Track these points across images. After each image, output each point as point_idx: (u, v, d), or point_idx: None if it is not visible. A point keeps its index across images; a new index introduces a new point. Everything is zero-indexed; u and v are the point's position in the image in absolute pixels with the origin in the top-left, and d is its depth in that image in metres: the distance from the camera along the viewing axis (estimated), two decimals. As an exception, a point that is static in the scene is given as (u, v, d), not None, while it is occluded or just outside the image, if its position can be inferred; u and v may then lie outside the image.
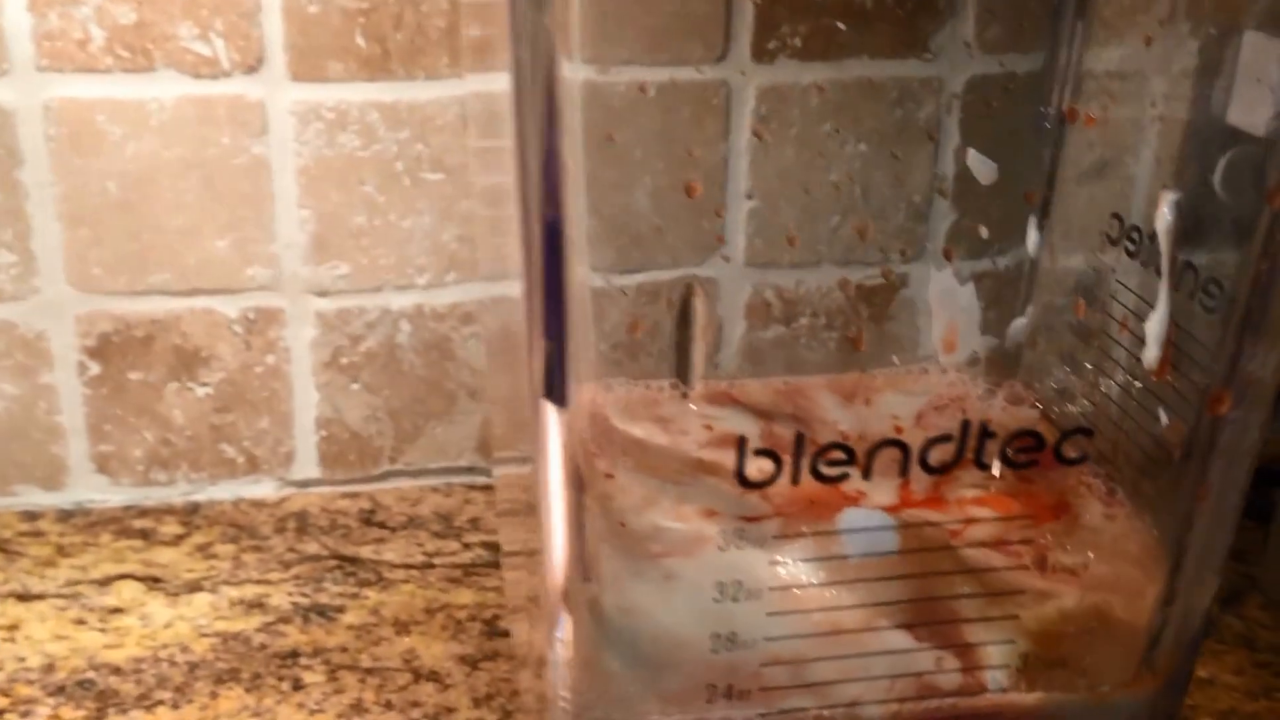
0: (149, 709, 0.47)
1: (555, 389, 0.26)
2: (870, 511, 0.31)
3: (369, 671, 0.49)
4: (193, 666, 0.49)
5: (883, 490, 0.33)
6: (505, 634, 0.51)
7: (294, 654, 0.50)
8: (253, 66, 0.55)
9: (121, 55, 0.54)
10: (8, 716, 0.46)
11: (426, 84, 0.56)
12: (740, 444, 0.28)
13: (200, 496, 0.61)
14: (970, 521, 0.32)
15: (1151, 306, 0.32)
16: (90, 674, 0.49)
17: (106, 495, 0.60)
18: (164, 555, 0.56)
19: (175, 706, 0.47)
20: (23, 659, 0.49)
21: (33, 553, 0.56)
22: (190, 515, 0.60)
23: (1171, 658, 0.32)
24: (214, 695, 0.48)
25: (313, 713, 0.47)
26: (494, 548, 0.58)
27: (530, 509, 0.33)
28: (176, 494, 0.61)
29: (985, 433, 0.29)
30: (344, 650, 0.50)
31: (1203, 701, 0.47)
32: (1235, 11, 0.32)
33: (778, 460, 0.28)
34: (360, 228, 0.57)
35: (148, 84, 0.54)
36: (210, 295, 0.58)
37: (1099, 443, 0.30)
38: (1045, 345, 0.38)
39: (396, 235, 0.58)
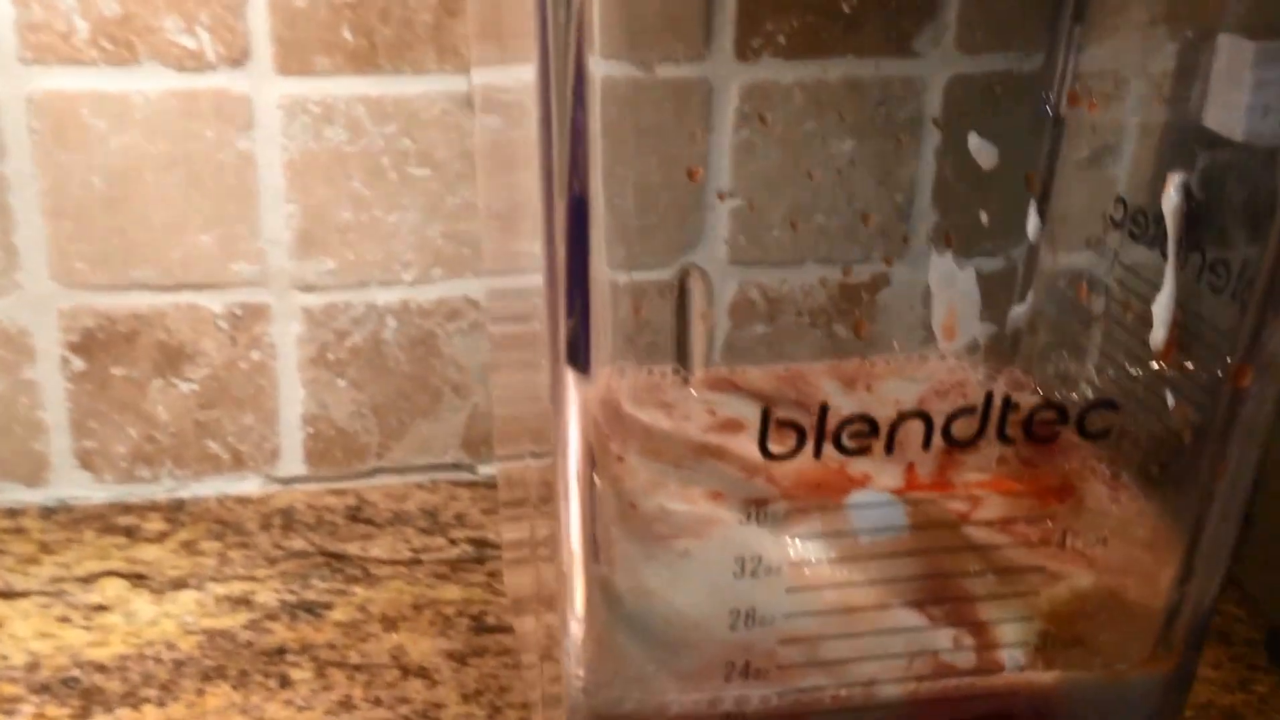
0: (134, 707, 0.46)
1: (579, 356, 0.26)
2: (881, 493, 0.31)
3: (357, 668, 0.49)
4: (179, 664, 0.49)
5: (889, 474, 0.33)
6: (493, 630, 0.51)
7: (281, 651, 0.50)
8: (238, 60, 0.54)
9: (106, 48, 0.53)
10: (-8, 714, 0.46)
11: (413, 78, 0.56)
12: (764, 415, 0.28)
13: (185, 493, 0.60)
14: (978, 503, 0.32)
15: (1156, 289, 0.32)
16: (75, 672, 0.48)
17: (90, 492, 0.60)
18: (148, 552, 0.56)
19: (161, 704, 0.47)
20: (6, 657, 0.49)
21: (15, 550, 0.56)
22: (175, 512, 0.59)
23: (1186, 634, 0.32)
24: (200, 693, 0.47)
25: (301, 709, 0.47)
26: (480, 544, 0.57)
27: (541, 499, 0.33)
28: (161, 490, 0.60)
29: (1008, 405, 0.29)
30: (332, 647, 0.50)
31: (1184, 694, 0.48)
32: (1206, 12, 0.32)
33: (801, 432, 0.28)
34: (347, 223, 0.57)
35: (132, 77, 0.54)
36: (195, 290, 0.57)
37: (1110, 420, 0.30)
38: (1046, 331, 0.38)
39: (383, 230, 0.58)
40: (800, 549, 0.30)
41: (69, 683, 0.47)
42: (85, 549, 0.56)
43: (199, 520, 0.59)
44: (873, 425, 0.28)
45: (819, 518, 0.31)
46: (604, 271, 0.26)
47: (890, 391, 0.38)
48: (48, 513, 0.59)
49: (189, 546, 0.56)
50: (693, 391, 0.37)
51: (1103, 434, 0.30)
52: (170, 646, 0.50)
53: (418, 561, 0.56)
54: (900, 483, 0.33)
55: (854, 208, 0.41)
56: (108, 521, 0.58)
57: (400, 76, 0.56)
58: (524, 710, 0.47)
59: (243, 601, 0.53)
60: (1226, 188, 0.30)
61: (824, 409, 0.28)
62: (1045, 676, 0.32)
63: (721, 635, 0.30)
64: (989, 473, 0.33)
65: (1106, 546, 0.32)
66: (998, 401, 0.29)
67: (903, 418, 0.28)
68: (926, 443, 0.29)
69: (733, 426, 0.36)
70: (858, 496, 0.31)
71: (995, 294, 0.39)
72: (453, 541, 0.58)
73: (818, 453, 0.28)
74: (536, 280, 0.27)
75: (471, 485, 0.62)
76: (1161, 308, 0.32)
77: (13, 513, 0.59)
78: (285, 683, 0.48)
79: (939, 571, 0.31)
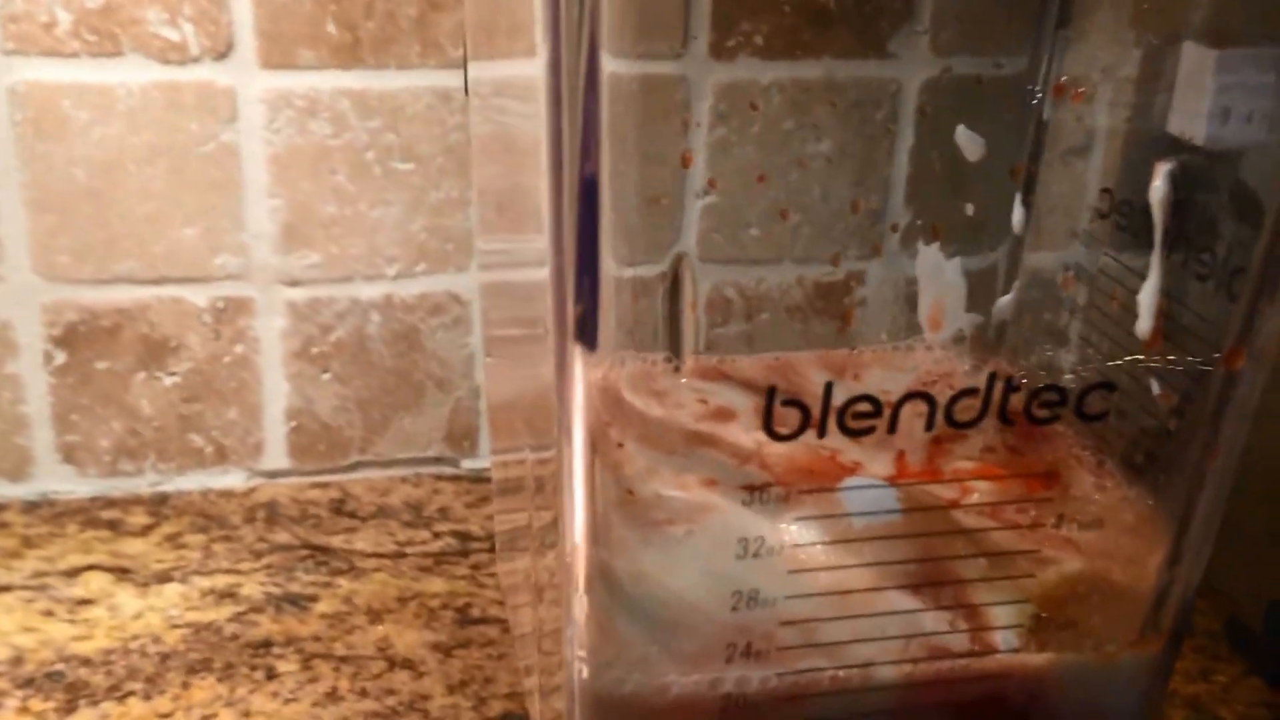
0: (120, 700, 0.46)
1: (588, 332, 0.26)
2: (875, 479, 0.32)
3: (343, 660, 0.49)
4: (164, 657, 0.49)
5: (879, 462, 0.33)
6: (478, 621, 0.51)
7: (267, 643, 0.50)
8: (222, 52, 0.54)
9: (88, 39, 0.53)
10: (-23, 707, 0.46)
11: (398, 73, 0.56)
12: (769, 395, 0.28)
13: (168, 487, 0.60)
14: (968, 490, 0.33)
15: (1142, 279, 0.33)
16: (60, 666, 0.48)
17: (73, 486, 0.59)
18: (132, 546, 0.56)
19: (147, 698, 0.47)
20: (-10, 650, 0.49)
21: (-3, 544, 0.56)
22: (159, 506, 0.59)
23: (1174, 616, 0.33)
24: (186, 685, 0.47)
25: (287, 702, 0.47)
26: (464, 537, 0.57)
27: (539, 486, 0.34)
28: (144, 484, 0.60)
29: (1010, 386, 0.29)
30: (317, 639, 0.50)
31: (1149, 684, 0.49)
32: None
33: (805, 413, 0.28)
34: (331, 217, 0.57)
35: (115, 69, 0.54)
36: (179, 284, 0.57)
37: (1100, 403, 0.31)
38: (1031, 322, 0.39)
39: (367, 225, 0.58)
40: (800, 532, 0.31)
41: (54, 677, 0.47)
42: (69, 543, 0.56)
43: (183, 514, 0.59)
44: (876, 406, 0.29)
45: (816, 503, 0.31)
46: (609, 265, 0.27)
47: (877, 381, 0.38)
48: (31, 507, 0.59)
49: (173, 540, 0.56)
50: (684, 380, 0.37)
51: (1101, 416, 0.31)
52: (155, 640, 0.50)
53: (402, 554, 0.56)
54: (891, 470, 0.33)
55: (830, 206, 0.42)
56: (91, 515, 0.58)
57: (384, 71, 0.56)
58: (509, 701, 0.47)
59: (228, 595, 0.53)
60: (1213, 178, 0.31)
61: (829, 387, 0.28)
62: (1037, 658, 0.33)
63: (723, 617, 0.31)
64: (977, 461, 0.34)
65: (1095, 531, 0.33)
66: (999, 384, 0.29)
67: (906, 398, 0.29)
68: (929, 424, 0.29)
69: (724, 415, 0.36)
70: (852, 481, 0.31)
71: (981, 285, 0.39)
72: (436, 535, 0.58)
73: (822, 432, 0.28)
74: (540, 268, 0.28)
75: (455, 479, 0.63)
76: (1148, 297, 0.32)
77: (-6, 507, 0.59)
78: (271, 675, 0.48)
79: (933, 556, 0.32)
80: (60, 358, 0.57)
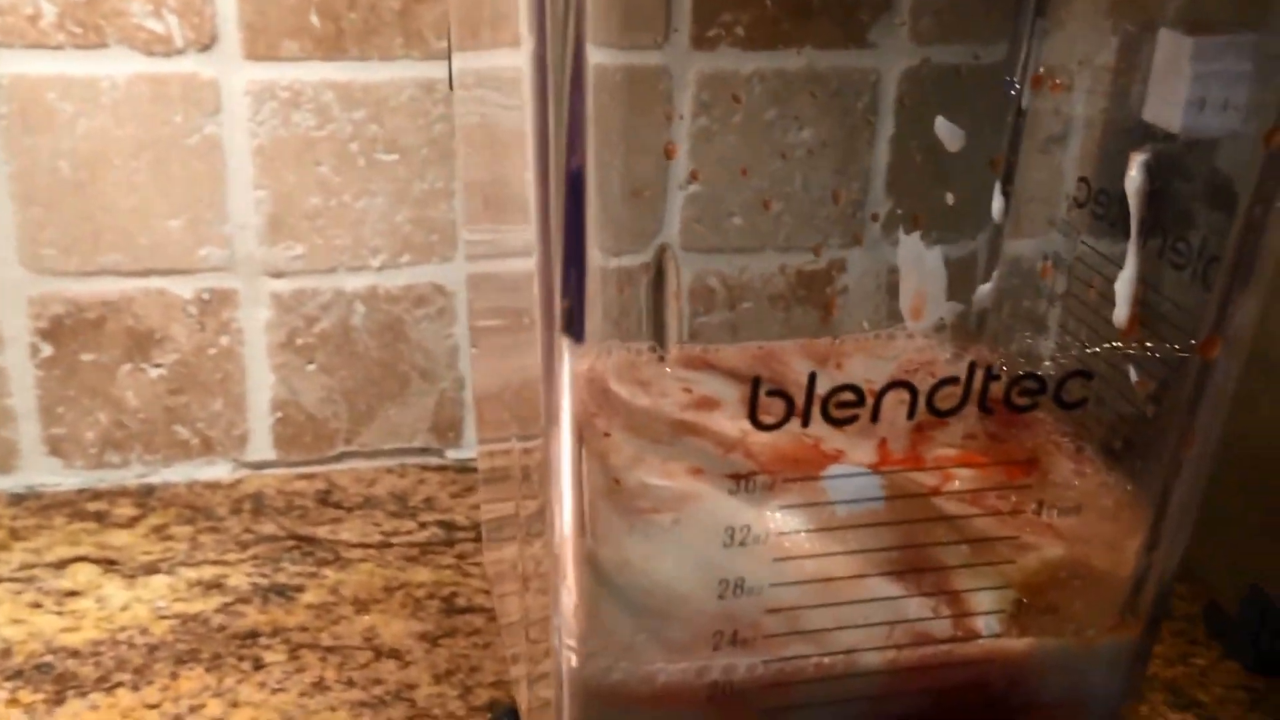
0: (108, 691, 0.47)
1: (575, 324, 0.26)
2: (857, 467, 0.32)
3: (330, 650, 0.49)
4: (152, 648, 0.49)
5: (862, 450, 0.34)
6: (464, 611, 0.52)
7: (254, 634, 0.50)
8: (206, 44, 0.54)
9: (73, 31, 0.53)
10: (-34, 699, 0.46)
11: (381, 64, 0.56)
12: (754, 385, 0.29)
13: (155, 479, 0.60)
14: (949, 476, 0.33)
15: (1119, 268, 0.33)
16: (48, 657, 0.48)
17: (59, 478, 0.60)
18: (119, 538, 0.56)
19: (135, 688, 0.47)
20: (-22, 642, 0.49)
21: (-16, 537, 0.56)
22: (145, 497, 0.59)
23: (1152, 601, 0.33)
24: (174, 676, 0.47)
25: (274, 691, 0.47)
26: (449, 527, 0.58)
27: (526, 476, 0.34)
28: (131, 476, 0.60)
29: (990, 374, 0.30)
30: (304, 629, 0.50)
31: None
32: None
33: (789, 403, 0.28)
34: (315, 209, 0.57)
35: (100, 61, 0.54)
36: (164, 276, 0.57)
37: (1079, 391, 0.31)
38: (1011, 310, 0.39)
39: (351, 216, 0.58)
40: (786, 520, 0.31)
41: (42, 668, 0.48)
42: (56, 535, 0.56)
43: (169, 505, 0.59)
44: (859, 395, 0.29)
45: (801, 491, 0.31)
46: (594, 256, 0.27)
47: (860, 370, 0.39)
48: (17, 499, 0.59)
49: (160, 531, 0.57)
50: (669, 370, 0.38)
51: (1079, 403, 0.31)
52: (143, 631, 0.50)
53: (388, 545, 0.56)
54: (874, 458, 0.34)
55: (812, 195, 0.42)
56: (78, 507, 0.58)
57: (368, 62, 0.56)
58: (495, 689, 0.47)
59: (215, 585, 0.53)
60: (1189, 167, 0.32)
61: (813, 377, 0.28)
62: (1018, 643, 0.33)
63: (710, 605, 0.31)
64: (958, 448, 0.34)
65: (1074, 517, 0.33)
66: (980, 372, 0.30)
67: (889, 387, 0.29)
68: (911, 413, 0.30)
69: (709, 404, 0.37)
70: (836, 469, 0.32)
71: (961, 274, 0.39)
72: (422, 525, 0.58)
73: (806, 421, 0.29)
74: (525, 258, 0.28)
75: (440, 469, 0.63)
76: (1124, 285, 0.33)
77: (-20, 500, 0.59)
78: (258, 665, 0.48)
79: (915, 543, 0.32)
80: (46, 350, 0.57)
